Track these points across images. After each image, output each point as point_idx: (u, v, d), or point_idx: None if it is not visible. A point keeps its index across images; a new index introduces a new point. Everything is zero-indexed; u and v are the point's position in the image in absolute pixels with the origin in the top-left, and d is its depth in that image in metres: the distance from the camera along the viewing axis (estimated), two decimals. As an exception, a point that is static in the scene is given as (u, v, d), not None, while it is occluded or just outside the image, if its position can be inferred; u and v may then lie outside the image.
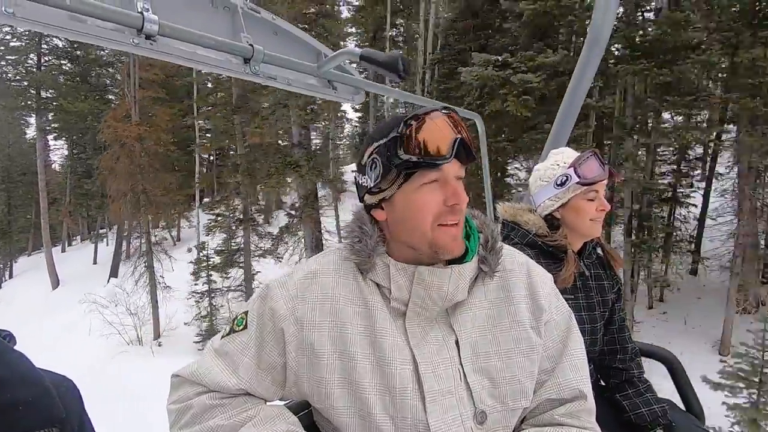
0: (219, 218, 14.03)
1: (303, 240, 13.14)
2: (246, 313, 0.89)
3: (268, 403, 0.89)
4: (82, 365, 10.68)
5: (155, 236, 17.59)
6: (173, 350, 12.47)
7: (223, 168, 15.71)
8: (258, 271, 13.58)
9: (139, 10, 0.93)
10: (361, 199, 0.89)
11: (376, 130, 0.85)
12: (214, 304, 12.91)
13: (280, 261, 13.33)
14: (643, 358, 1.62)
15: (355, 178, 0.90)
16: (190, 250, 15.07)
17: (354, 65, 1.50)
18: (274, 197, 16.03)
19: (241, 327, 0.88)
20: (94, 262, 22.28)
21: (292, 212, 13.50)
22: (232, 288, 13.28)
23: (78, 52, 22.14)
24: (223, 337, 0.90)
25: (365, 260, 0.84)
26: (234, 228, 13.89)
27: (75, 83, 22.35)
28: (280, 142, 14.07)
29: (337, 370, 0.81)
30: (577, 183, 1.38)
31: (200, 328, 12.70)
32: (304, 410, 0.99)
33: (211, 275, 13.04)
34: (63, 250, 27.01)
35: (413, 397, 0.78)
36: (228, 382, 0.84)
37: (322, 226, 13.48)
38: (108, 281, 18.20)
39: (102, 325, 13.11)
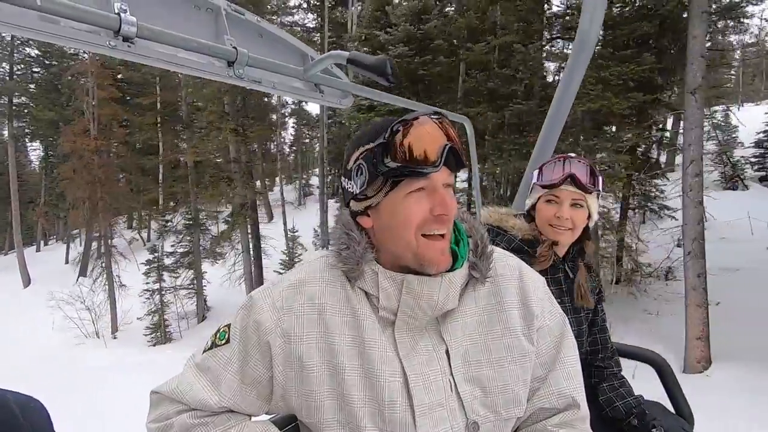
0: (168, 224, 16.62)
1: (241, 244, 14.98)
2: (228, 326, 0.86)
3: (252, 419, 0.86)
4: (45, 356, 12.31)
5: (124, 238, 19.59)
6: (126, 343, 14.08)
7: (175, 178, 17.78)
8: (206, 272, 15.59)
9: (116, 11, 0.89)
10: (347, 205, 0.87)
11: (363, 134, 0.82)
12: (164, 301, 14.59)
13: (217, 263, 15.54)
14: (632, 361, 1.63)
15: (341, 182, 0.87)
16: (171, 251, 16.11)
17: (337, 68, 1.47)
18: (224, 204, 16.96)
19: (223, 341, 0.84)
20: (66, 262, 23.15)
21: (229, 219, 15.48)
22: (182, 286, 15.09)
23: (48, 61, 23.01)
24: (204, 351, 0.86)
25: (353, 268, 0.81)
26: (183, 232, 15.98)
27: (46, 91, 22.98)
28: (216, 158, 16.09)
29: (326, 382, 0.78)
30: (535, 183, 1.43)
31: (150, 323, 14.37)
32: (290, 424, 0.96)
33: (162, 275, 14.58)
34: (38, 250, 27.76)
35: (403, 411, 0.76)
36: (210, 400, 0.81)
37: (260, 232, 15.29)
38: (77, 280, 19.14)
39: (63, 320, 14.79)
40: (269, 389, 0.82)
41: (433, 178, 0.76)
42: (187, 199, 15.94)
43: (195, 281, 15.02)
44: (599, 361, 1.53)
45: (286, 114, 22.80)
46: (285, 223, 17.40)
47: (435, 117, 0.79)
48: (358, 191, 0.81)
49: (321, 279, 0.84)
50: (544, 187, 1.40)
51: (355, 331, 0.80)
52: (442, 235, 0.78)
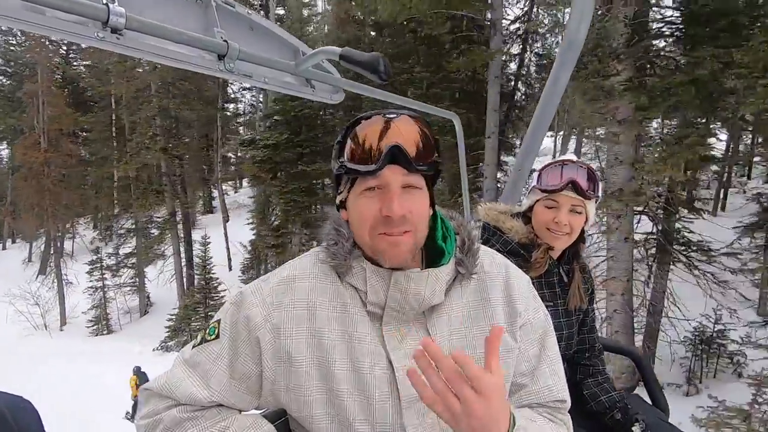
0: (111, 228, 19.48)
1: (172, 248, 17.20)
2: (218, 321, 0.86)
3: (242, 413, 0.87)
4: (-2, 346, 13.76)
5: (83, 240, 21.83)
6: (71, 334, 15.98)
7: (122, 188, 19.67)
8: (147, 271, 17.82)
9: (105, 1, 0.87)
10: (335, 199, 0.91)
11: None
12: (107, 297, 16.77)
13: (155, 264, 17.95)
14: (612, 354, 1.68)
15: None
16: (112, 253, 18.32)
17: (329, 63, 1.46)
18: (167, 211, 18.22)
19: (213, 336, 0.85)
20: (29, 260, 24.32)
21: (161, 225, 18.03)
22: (125, 284, 17.30)
23: (10, 70, 23.62)
24: (194, 347, 0.87)
25: (341, 263, 0.83)
26: (124, 236, 18.50)
27: (7, 99, 23.53)
28: (150, 173, 18.26)
29: (315, 376, 0.79)
30: (534, 187, 1.42)
31: (93, 316, 16.43)
32: (280, 419, 0.97)
33: (104, 274, 16.67)
34: (4, 248, 28.79)
35: (390, 402, 0.78)
36: (199, 395, 0.81)
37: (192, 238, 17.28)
38: (36, 277, 20.70)
39: (15, 314, 16.77)
40: (259, 384, 0.83)
41: (384, 178, 0.77)
42: (129, 207, 18.23)
43: (137, 279, 17.15)
44: (585, 360, 1.57)
45: (237, 123, 22.75)
46: (226, 234, 17.81)
47: (390, 116, 0.79)
48: (336, 185, 0.86)
49: (311, 274, 0.85)
50: (543, 191, 1.39)
51: (345, 325, 0.81)
52: (402, 233, 0.78)
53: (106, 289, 16.62)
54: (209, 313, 12.63)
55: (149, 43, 0.94)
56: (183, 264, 16.04)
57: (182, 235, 16.84)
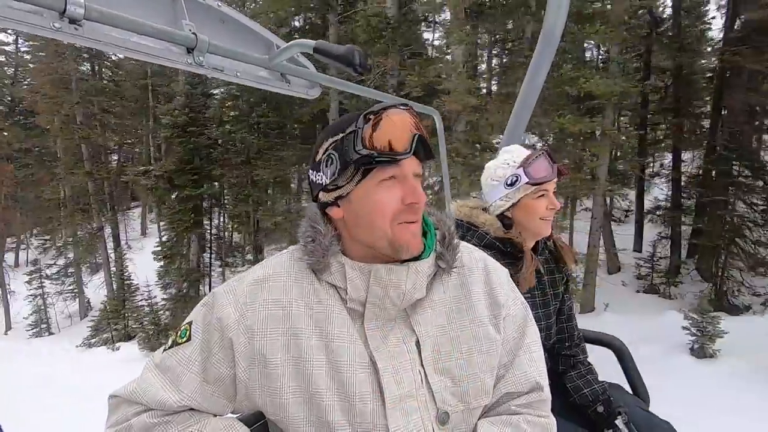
0: (48, 242, 21.40)
1: (102, 259, 19.11)
2: (190, 323, 0.83)
3: (217, 417, 0.84)
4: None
5: (34, 248, 22.26)
6: (14, 336, 17.31)
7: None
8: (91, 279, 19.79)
9: (62, -10, 0.83)
10: (315, 198, 0.86)
11: (333, 125, 0.82)
12: (47, 303, 18.10)
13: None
14: (591, 345, 1.69)
15: (308, 175, 0.86)
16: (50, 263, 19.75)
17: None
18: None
19: (184, 339, 0.82)
20: None
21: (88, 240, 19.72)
22: (65, 291, 18.96)
23: None
24: (164, 350, 0.83)
25: (319, 260, 0.81)
26: (62, 249, 20.33)
27: None
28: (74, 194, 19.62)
29: (292, 378, 0.77)
30: (527, 183, 1.39)
31: (32, 321, 17.71)
32: (257, 422, 0.94)
33: (43, 283, 18.20)
34: None
35: (373, 403, 0.76)
36: (170, 399, 0.78)
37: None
38: None
39: None
40: (233, 387, 0.80)
41: (404, 167, 0.78)
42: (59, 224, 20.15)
43: (75, 287, 18.98)
44: (566, 350, 1.57)
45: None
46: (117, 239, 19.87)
47: (404, 107, 0.80)
48: (328, 181, 0.81)
49: (286, 273, 0.83)
50: (536, 184, 1.39)
51: (322, 325, 0.79)
52: (414, 222, 0.80)
53: (45, 296, 18.09)
54: (126, 315, 14.54)
55: (111, 35, 0.90)
56: (112, 273, 17.66)
57: (112, 249, 18.88)
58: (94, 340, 14.14)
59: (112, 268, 17.31)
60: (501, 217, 1.45)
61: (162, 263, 15.33)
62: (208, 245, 16.47)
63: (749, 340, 6.66)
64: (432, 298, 0.85)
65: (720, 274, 9.94)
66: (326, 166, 0.80)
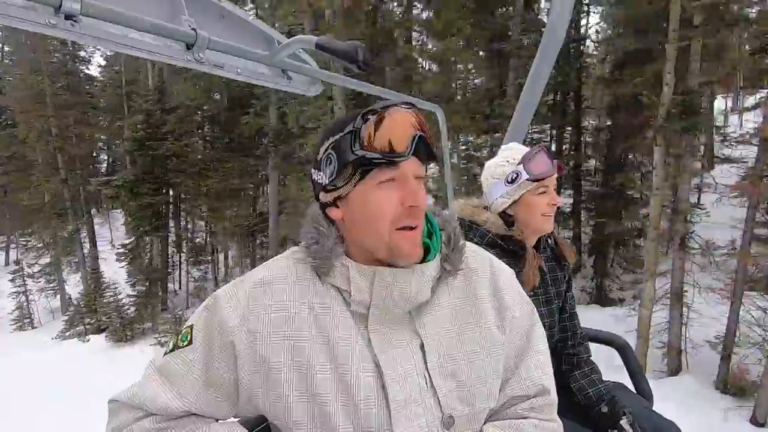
0: (29, 243, 22.61)
1: (78, 258, 20.48)
2: (191, 327, 0.82)
3: (219, 421, 0.82)
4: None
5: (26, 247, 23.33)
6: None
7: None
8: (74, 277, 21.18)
9: (57, -16, 0.80)
10: (317, 197, 0.85)
11: (333, 124, 0.80)
12: (29, 299, 19.66)
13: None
14: (595, 344, 1.68)
15: (310, 174, 0.85)
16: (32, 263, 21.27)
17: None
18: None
19: (185, 342, 0.80)
20: None
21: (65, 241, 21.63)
22: (45, 288, 20.55)
23: None
24: (165, 354, 0.82)
25: (322, 263, 0.79)
26: (42, 249, 21.89)
27: None
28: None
29: (296, 382, 0.75)
30: (527, 180, 1.38)
31: (15, 316, 19.21)
32: (260, 425, 0.93)
33: (25, 281, 19.74)
34: None
35: (378, 407, 0.75)
36: (171, 404, 0.77)
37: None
38: None
39: None
40: (235, 391, 0.79)
41: (404, 169, 0.75)
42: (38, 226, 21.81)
43: (57, 284, 20.65)
44: (569, 348, 1.56)
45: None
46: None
47: (406, 106, 0.77)
48: (327, 181, 0.79)
49: (288, 275, 0.82)
50: (537, 180, 1.38)
51: (326, 328, 0.78)
52: (415, 228, 0.78)
53: (28, 293, 19.69)
54: (98, 309, 16.08)
55: (108, 31, 0.88)
56: (89, 272, 19.10)
57: (88, 249, 20.39)
58: (68, 333, 15.97)
59: (88, 267, 19.00)
60: (502, 215, 1.44)
61: (125, 264, 17.24)
62: (174, 246, 18.55)
63: (601, 326, 7.12)
64: (437, 301, 0.83)
65: (602, 272, 12.27)
66: (326, 166, 0.79)
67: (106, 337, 14.37)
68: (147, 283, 16.55)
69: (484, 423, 0.84)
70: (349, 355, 0.76)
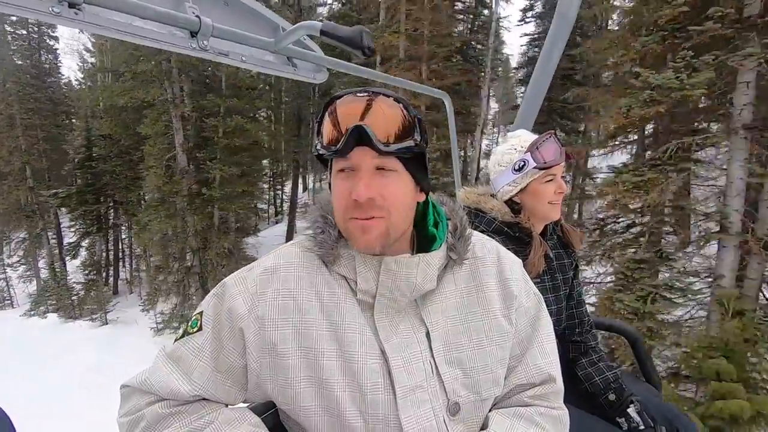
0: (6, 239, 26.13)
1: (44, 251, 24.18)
2: (201, 313, 0.82)
3: (228, 407, 0.84)
4: None
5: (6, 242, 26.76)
6: None
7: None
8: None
9: (60, -28, 0.80)
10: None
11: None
12: (9, 283, 23.45)
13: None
14: (605, 332, 1.68)
15: None
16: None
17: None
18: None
19: (195, 329, 0.81)
20: None
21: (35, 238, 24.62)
22: (23, 275, 23.96)
23: None
24: (176, 340, 0.83)
25: (329, 252, 0.80)
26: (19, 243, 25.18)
27: None
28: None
29: (303, 368, 0.76)
30: (535, 168, 1.37)
31: None
32: (268, 411, 0.94)
33: (5, 270, 23.30)
34: None
35: (384, 393, 0.75)
36: (182, 389, 0.78)
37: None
38: None
39: None
40: (244, 377, 0.80)
41: (354, 160, 0.74)
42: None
43: (33, 272, 24.04)
44: (576, 336, 1.55)
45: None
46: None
47: (361, 95, 0.74)
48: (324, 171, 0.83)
49: (296, 264, 0.82)
50: (544, 168, 1.37)
51: (333, 315, 0.78)
52: (365, 218, 0.75)
53: (8, 280, 23.71)
54: (56, 292, 19.73)
55: (112, 19, 0.87)
56: (53, 263, 22.88)
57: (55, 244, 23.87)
58: (33, 312, 19.41)
59: (54, 259, 22.97)
60: (509, 202, 1.43)
61: (69, 258, 21.79)
62: (112, 246, 22.67)
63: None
64: (443, 289, 0.83)
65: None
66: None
67: (58, 314, 18.34)
68: (93, 274, 21.29)
69: (490, 410, 0.85)
70: (355, 343, 0.77)
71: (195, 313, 0.84)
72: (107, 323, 16.80)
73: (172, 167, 13.69)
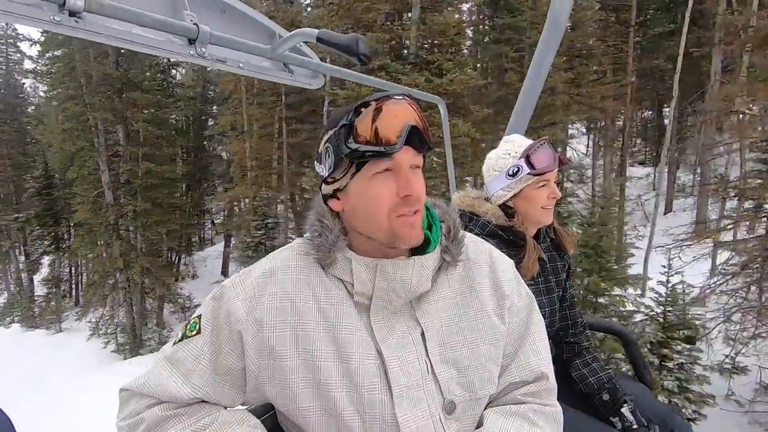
0: None
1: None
2: (199, 317, 0.84)
3: (228, 409, 0.85)
4: None
5: None
6: None
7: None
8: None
9: (61, -19, 0.81)
10: (320, 189, 0.86)
11: (331, 118, 0.82)
12: None
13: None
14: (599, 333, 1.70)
15: (315, 167, 0.86)
16: None
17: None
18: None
19: (194, 332, 0.82)
20: None
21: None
22: None
23: None
24: (174, 343, 0.84)
25: (326, 255, 0.81)
26: None
27: None
28: None
29: (301, 370, 0.78)
30: (529, 174, 1.38)
31: None
32: (267, 413, 0.95)
33: None
34: None
35: (381, 392, 0.77)
36: (181, 391, 0.79)
37: None
38: None
39: None
40: (243, 379, 0.81)
41: (398, 159, 0.76)
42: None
43: (4, 286, 26.65)
44: (570, 337, 1.57)
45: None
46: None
47: (399, 96, 0.78)
48: (326, 174, 0.81)
49: (293, 267, 0.83)
50: (538, 174, 1.38)
51: (330, 317, 0.79)
52: (414, 213, 0.79)
53: None
54: (19, 304, 22.11)
55: (112, 27, 0.89)
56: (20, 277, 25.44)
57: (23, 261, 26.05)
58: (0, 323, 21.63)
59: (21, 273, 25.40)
60: (503, 206, 1.45)
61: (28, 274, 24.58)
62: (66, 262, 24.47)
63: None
64: (437, 290, 0.85)
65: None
66: (325, 159, 0.81)
67: (20, 324, 20.57)
68: (52, 287, 23.09)
69: (485, 408, 0.86)
70: (352, 344, 0.78)
71: (194, 316, 0.85)
72: (61, 331, 18.88)
73: (99, 201, 16.72)
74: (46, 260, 24.74)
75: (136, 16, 0.92)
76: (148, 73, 17.74)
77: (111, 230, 16.26)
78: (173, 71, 20.73)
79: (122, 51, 15.30)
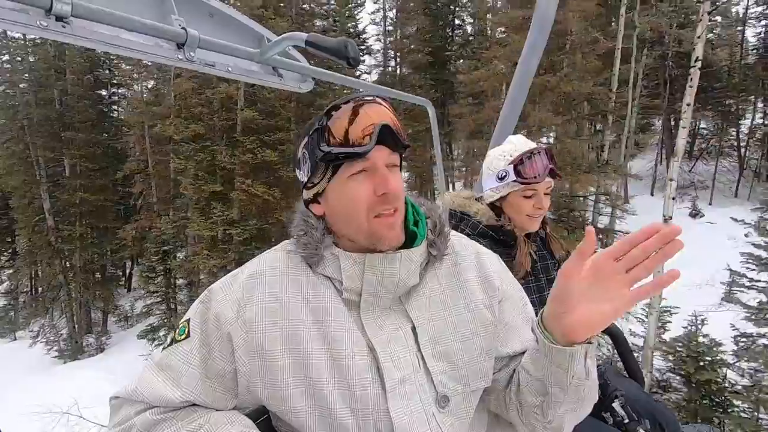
0: None
1: None
2: (188, 321, 0.83)
3: (219, 411, 0.84)
4: None
5: None
6: None
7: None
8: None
9: (47, -14, 0.81)
10: (302, 194, 0.88)
11: (307, 124, 0.83)
12: None
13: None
14: None
15: (296, 173, 0.88)
16: None
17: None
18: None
19: (183, 336, 0.82)
20: None
21: None
22: None
23: None
24: (164, 349, 0.83)
25: (313, 253, 0.82)
26: None
27: None
28: None
29: (292, 370, 0.78)
30: (515, 181, 1.39)
31: None
32: (261, 417, 0.95)
33: None
34: None
35: (373, 387, 0.77)
36: (171, 395, 0.78)
37: None
38: None
39: None
40: (234, 382, 0.80)
41: (373, 159, 0.77)
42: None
43: None
44: None
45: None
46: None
47: (369, 98, 0.79)
48: (305, 180, 0.83)
49: (281, 267, 0.84)
50: (525, 183, 1.39)
51: (319, 315, 0.80)
52: (393, 211, 0.80)
53: None
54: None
55: (99, 32, 0.88)
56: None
57: None
58: None
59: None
60: (492, 206, 1.46)
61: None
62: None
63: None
64: (426, 285, 0.86)
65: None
66: (302, 165, 0.83)
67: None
68: (11, 299, 24.06)
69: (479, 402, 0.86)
70: (343, 340, 0.78)
71: (182, 321, 0.85)
72: (16, 339, 20.42)
73: (41, 225, 18.91)
74: (5, 275, 25.98)
75: (124, 21, 0.92)
76: (84, 113, 19.51)
77: (51, 251, 18.66)
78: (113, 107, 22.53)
79: (68, 93, 18.62)
